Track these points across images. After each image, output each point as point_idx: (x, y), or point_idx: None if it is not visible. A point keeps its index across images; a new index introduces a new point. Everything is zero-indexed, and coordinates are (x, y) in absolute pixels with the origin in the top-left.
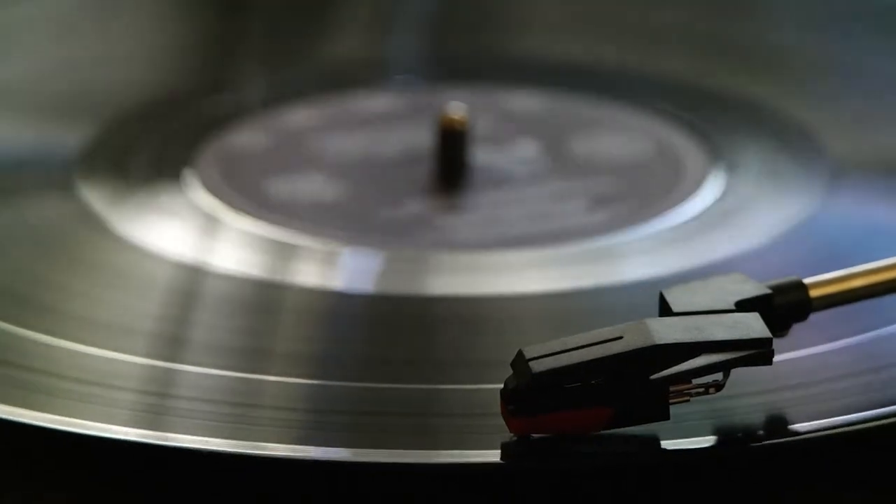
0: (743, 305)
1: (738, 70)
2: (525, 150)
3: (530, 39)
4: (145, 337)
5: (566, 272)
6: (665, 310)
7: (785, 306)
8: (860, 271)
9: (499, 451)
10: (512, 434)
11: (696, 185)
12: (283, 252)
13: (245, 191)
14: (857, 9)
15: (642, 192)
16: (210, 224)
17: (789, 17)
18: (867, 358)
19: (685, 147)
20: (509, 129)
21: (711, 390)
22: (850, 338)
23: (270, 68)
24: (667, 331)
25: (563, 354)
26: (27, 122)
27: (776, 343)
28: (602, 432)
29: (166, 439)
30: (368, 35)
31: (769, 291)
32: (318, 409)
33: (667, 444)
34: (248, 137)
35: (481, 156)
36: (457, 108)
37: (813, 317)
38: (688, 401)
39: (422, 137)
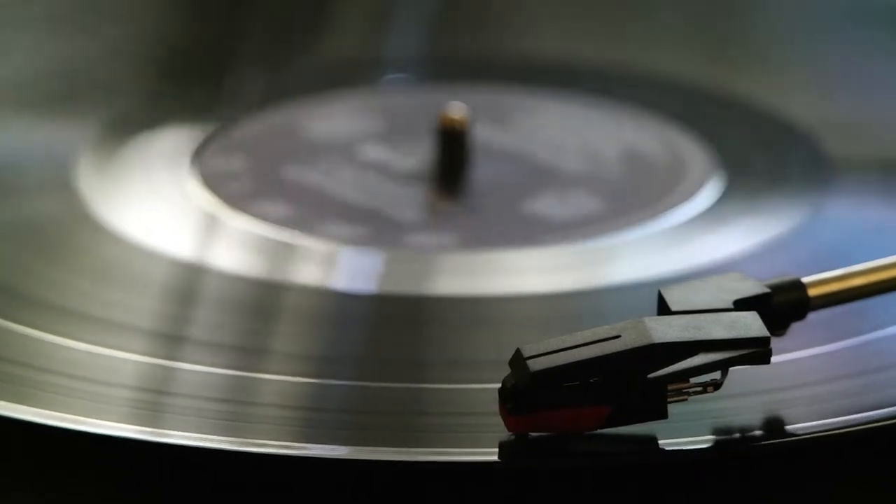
0: (741, 304)
1: (738, 70)
2: (525, 150)
3: (531, 39)
4: (144, 334)
5: (566, 272)
6: (663, 308)
7: (784, 305)
8: (859, 270)
9: (497, 450)
10: (510, 433)
11: (696, 185)
12: (283, 251)
13: (244, 189)
14: (856, 9)
15: (643, 192)
16: (209, 222)
17: (789, 17)
18: (866, 358)
19: (685, 147)
20: (509, 129)
21: (710, 389)
22: (850, 338)
23: (269, 66)
24: (665, 329)
25: (560, 353)
26: (26, 120)
27: (774, 342)
28: (600, 431)
29: (164, 436)
30: (368, 34)
31: (768, 290)
32: (316, 407)
33: (664, 444)
34: (247, 135)
35: (481, 155)
36: (457, 108)
37: (812, 316)
38: (686, 400)
39: (421, 137)
